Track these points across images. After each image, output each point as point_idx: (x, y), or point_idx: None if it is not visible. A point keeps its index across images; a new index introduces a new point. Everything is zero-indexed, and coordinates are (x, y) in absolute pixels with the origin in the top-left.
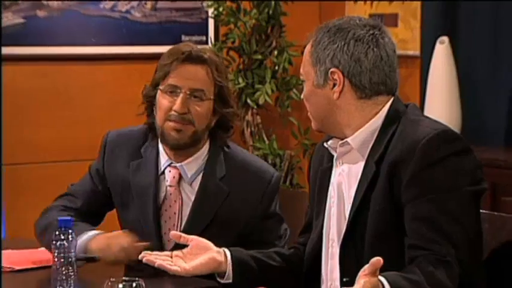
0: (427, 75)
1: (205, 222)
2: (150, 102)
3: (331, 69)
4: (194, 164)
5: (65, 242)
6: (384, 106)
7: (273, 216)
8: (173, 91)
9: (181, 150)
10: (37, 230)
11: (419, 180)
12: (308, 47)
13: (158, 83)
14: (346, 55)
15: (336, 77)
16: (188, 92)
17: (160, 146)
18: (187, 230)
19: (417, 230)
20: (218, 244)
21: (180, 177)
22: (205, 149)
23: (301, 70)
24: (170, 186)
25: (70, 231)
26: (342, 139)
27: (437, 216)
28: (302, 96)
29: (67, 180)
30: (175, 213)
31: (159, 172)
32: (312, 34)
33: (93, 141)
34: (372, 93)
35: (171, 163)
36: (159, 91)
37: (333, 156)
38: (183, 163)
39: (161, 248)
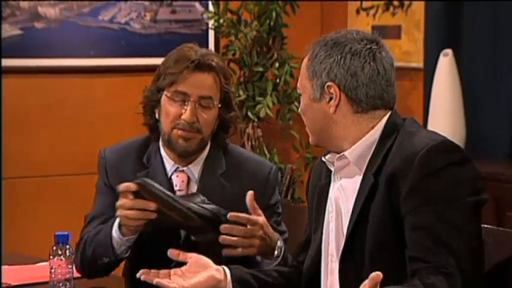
0: (431, 87)
1: None
2: (151, 105)
3: (328, 83)
4: (199, 166)
5: (62, 257)
6: (381, 120)
7: (273, 206)
8: (182, 99)
9: (185, 157)
10: (82, 258)
11: (419, 191)
12: (305, 60)
13: (163, 88)
14: (342, 69)
15: (332, 91)
16: (197, 100)
17: (163, 152)
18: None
19: (417, 241)
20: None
21: (188, 181)
22: (207, 150)
23: (298, 84)
24: (180, 190)
25: (68, 246)
26: (339, 153)
27: (437, 226)
28: (299, 111)
29: (64, 194)
30: None
31: (168, 178)
32: (310, 48)
33: (91, 155)
34: (369, 107)
35: (178, 167)
36: (165, 96)
37: (331, 171)
38: (189, 166)
39: (178, 232)
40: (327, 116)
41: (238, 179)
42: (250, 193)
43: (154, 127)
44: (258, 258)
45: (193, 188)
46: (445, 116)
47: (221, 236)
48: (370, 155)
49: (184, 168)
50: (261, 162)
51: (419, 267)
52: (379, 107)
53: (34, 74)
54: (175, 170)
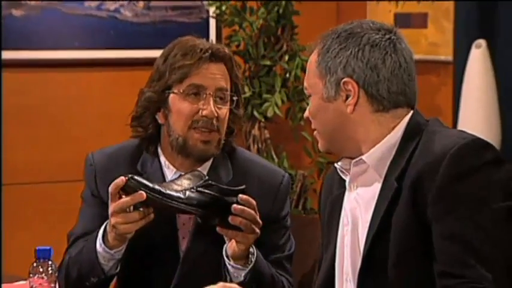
0: (461, 83)
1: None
2: (153, 110)
3: (344, 79)
4: (205, 173)
5: (43, 275)
6: (402, 119)
7: (282, 219)
8: (197, 92)
9: (202, 162)
10: (67, 282)
11: (448, 195)
12: (313, 56)
13: (171, 86)
14: (361, 62)
15: (349, 87)
16: (214, 93)
17: (162, 157)
18: (197, 242)
19: (447, 252)
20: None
21: None
22: None
23: (305, 83)
24: None
25: (50, 262)
26: (354, 159)
27: (469, 234)
28: (306, 114)
29: (46, 204)
30: (189, 231)
31: None
32: (317, 42)
33: (76, 159)
34: (390, 105)
35: (181, 175)
36: (174, 95)
37: (343, 181)
38: None
39: (176, 245)
40: (343, 117)
41: (246, 187)
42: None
43: (151, 136)
44: (230, 268)
45: None
46: (477, 115)
47: (232, 216)
48: (391, 158)
49: None
50: (272, 170)
51: (451, 283)
52: (401, 104)
53: (11, 68)
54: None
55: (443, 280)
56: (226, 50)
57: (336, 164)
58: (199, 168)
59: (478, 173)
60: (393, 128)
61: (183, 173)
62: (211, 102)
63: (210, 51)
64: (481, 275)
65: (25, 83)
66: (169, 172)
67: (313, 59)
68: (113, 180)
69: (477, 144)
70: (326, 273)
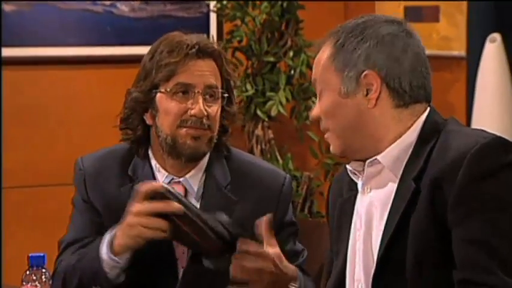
0: (475, 79)
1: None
2: (140, 110)
3: (365, 72)
4: (199, 176)
5: (37, 283)
6: (419, 117)
7: (290, 225)
8: (185, 91)
9: (193, 161)
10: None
11: (469, 196)
12: (326, 52)
13: (158, 84)
14: (382, 54)
15: (371, 80)
16: (203, 91)
17: (153, 161)
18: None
19: (467, 257)
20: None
21: (185, 193)
22: (207, 156)
23: (315, 79)
24: None
25: (43, 270)
26: (368, 159)
27: (490, 238)
28: (316, 113)
29: (39, 208)
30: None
31: None
32: (325, 39)
33: (70, 162)
34: (411, 100)
35: (172, 179)
36: (161, 94)
37: (354, 183)
38: (186, 176)
39: (175, 273)
40: (362, 113)
41: (246, 191)
42: (266, 218)
43: (140, 138)
44: None
45: (193, 202)
46: (491, 112)
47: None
48: (407, 158)
49: (181, 179)
50: (272, 171)
51: None
52: (421, 99)
53: (2, 67)
54: (169, 182)
55: None
56: (215, 45)
57: (347, 166)
58: (192, 170)
59: (499, 173)
60: (410, 127)
61: (175, 178)
62: (200, 101)
63: (197, 47)
64: (503, 282)
65: (17, 81)
66: (161, 176)
67: (325, 54)
68: (103, 185)
69: (499, 144)
70: (336, 279)
